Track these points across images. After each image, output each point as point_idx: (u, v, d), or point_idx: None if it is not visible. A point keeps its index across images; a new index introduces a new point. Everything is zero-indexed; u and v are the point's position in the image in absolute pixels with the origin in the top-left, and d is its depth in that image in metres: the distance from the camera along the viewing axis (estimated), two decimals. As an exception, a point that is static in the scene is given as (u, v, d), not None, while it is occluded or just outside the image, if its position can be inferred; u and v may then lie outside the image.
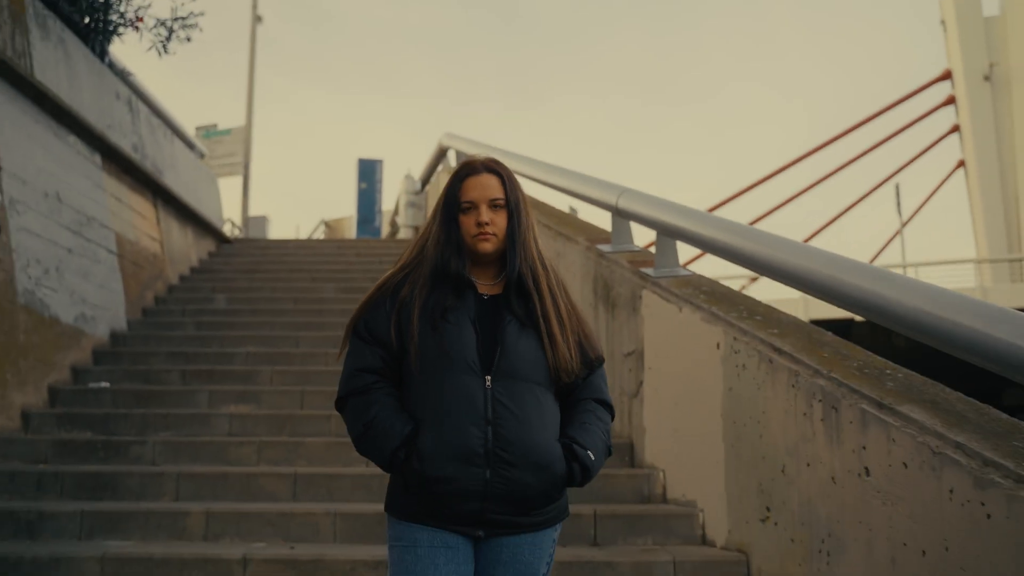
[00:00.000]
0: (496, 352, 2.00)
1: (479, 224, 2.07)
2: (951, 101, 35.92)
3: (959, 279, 27.95)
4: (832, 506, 2.82)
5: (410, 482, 1.97)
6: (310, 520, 3.83)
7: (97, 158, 6.76)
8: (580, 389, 2.14)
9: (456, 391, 1.97)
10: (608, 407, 2.15)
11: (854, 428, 2.70)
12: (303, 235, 22.22)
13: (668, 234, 4.23)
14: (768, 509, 3.21)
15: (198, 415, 5.15)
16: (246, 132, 20.55)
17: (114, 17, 7.16)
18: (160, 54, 7.53)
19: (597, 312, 4.96)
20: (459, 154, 9.60)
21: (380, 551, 3.38)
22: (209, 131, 21.17)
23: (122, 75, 7.67)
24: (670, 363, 4.08)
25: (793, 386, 3.05)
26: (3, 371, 4.85)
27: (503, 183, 2.12)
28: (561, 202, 7.17)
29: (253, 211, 20.65)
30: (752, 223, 32.49)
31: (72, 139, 6.32)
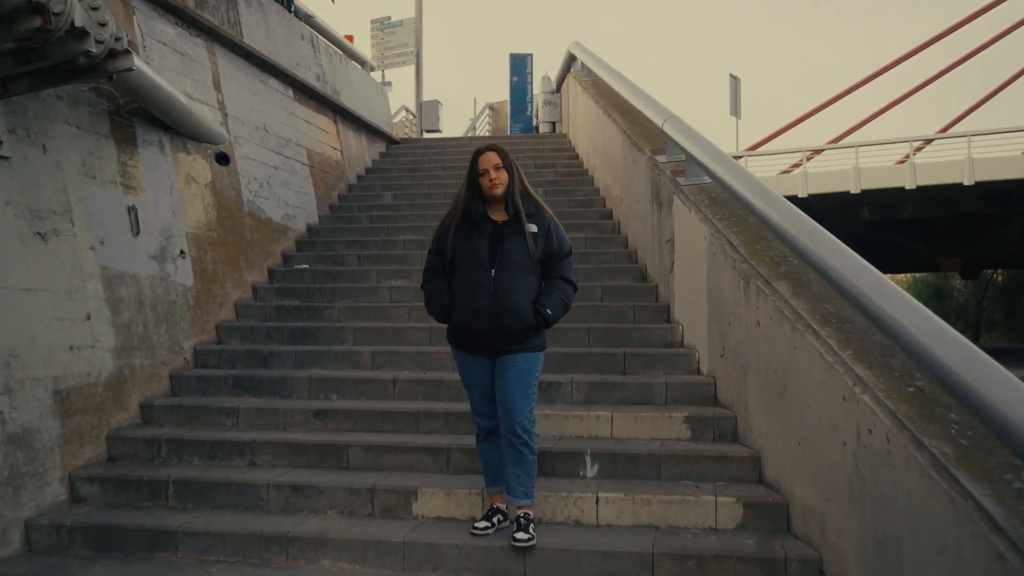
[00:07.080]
0: (498, 254, 3.73)
1: (490, 180, 3.77)
2: None
3: None
4: (744, 339, 4.40)
5: (451, 328, 3.79)
6: (438, 357, 5.78)
7: (290, 91, 8.79)
8: (554, 272, 3.84)
9: (472, 278, 3.73)
10: (568, 281, 3.84)
11: (753, 294, 4.24)
12: (475, 113, 23.92)
13: (689, 157, 5.66)
14: (724, 346, 4.81)
15: (369, 287, 7.19)
16: (416, 23, 22.31)
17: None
18: (333, 2, 9.40)
19: (652, 209, 6.50)
20: (583, 64, 10.97)
21: (475, 374, 5.25)
22: (383, 24, 23.10)
23: (305, 18, 9.60)
24: (685, 248, 5.62)
25: (733, 268, 4.57)
26: (238, 260, 7.06)
27: (500, 155, 3.80)
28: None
29: (426, 96, 22.52)
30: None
31: (272, 81, 8.35)
